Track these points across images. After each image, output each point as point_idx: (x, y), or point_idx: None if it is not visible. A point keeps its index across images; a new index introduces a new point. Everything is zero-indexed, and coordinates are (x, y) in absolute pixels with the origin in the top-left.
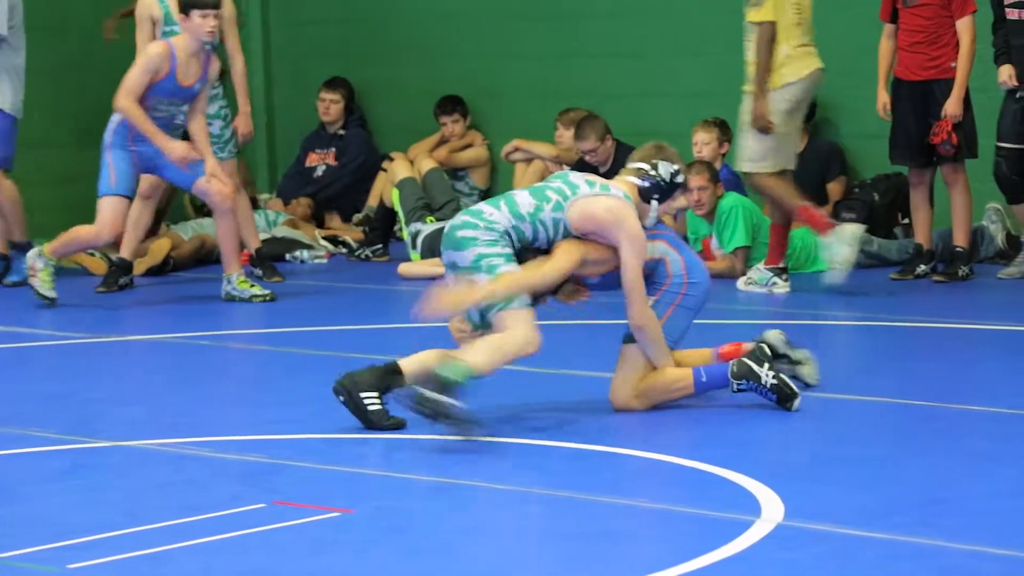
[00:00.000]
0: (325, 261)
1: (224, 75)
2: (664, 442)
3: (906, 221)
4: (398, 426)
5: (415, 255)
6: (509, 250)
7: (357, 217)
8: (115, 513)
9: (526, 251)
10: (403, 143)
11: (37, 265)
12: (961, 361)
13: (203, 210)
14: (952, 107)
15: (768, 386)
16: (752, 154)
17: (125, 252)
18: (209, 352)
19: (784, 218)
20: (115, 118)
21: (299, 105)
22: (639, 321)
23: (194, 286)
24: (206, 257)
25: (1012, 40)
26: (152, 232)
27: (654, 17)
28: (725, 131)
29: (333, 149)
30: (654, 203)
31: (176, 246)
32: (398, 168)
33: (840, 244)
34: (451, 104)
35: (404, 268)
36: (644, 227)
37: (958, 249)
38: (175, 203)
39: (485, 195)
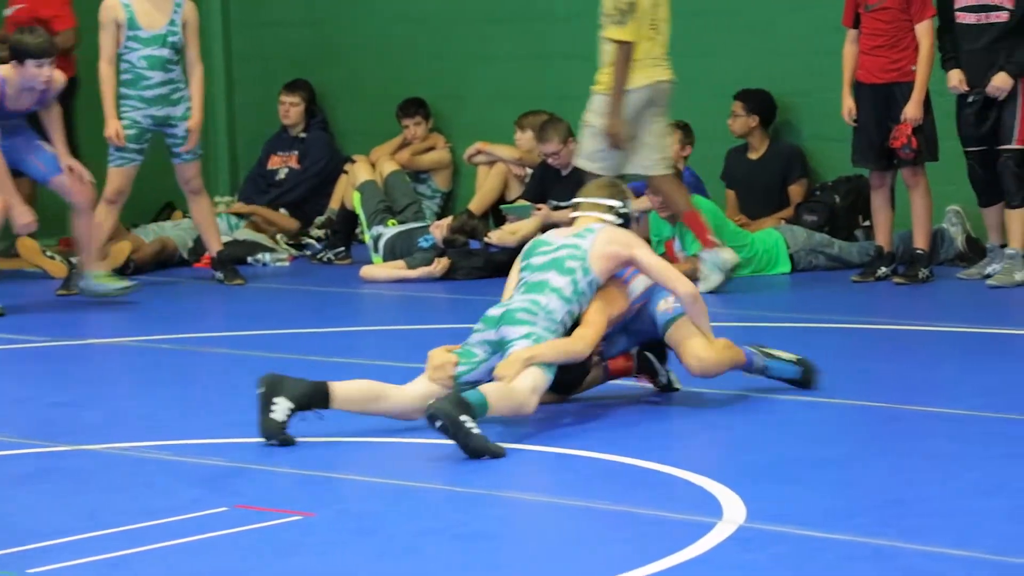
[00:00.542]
0: (287, 264)
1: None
2: (625, 444)
3: (867, 223)
4: (284, 442)
5: (377, 258)
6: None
7: (319, 220)
8: (76, 517)
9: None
10: (365, 146)
11: None
12: (921, 363)
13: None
14: (912, 110)
15: (793, 360)
16: (585, 151)
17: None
18: (170, 355)
19: (685, 206)
20: None
21: (261, 108)
22: (691, 289)
23: (155, 289)
24: (167, 260)
25: (961, 44)
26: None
27: None
28: (687, 133)
29: (295, 152)
30: None
31: (137, 249)
32: (359, 171)
33: (713, 268)
34: (413, 107)
35: (366, 271)
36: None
37: (918, 251)
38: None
39: (448, 198)
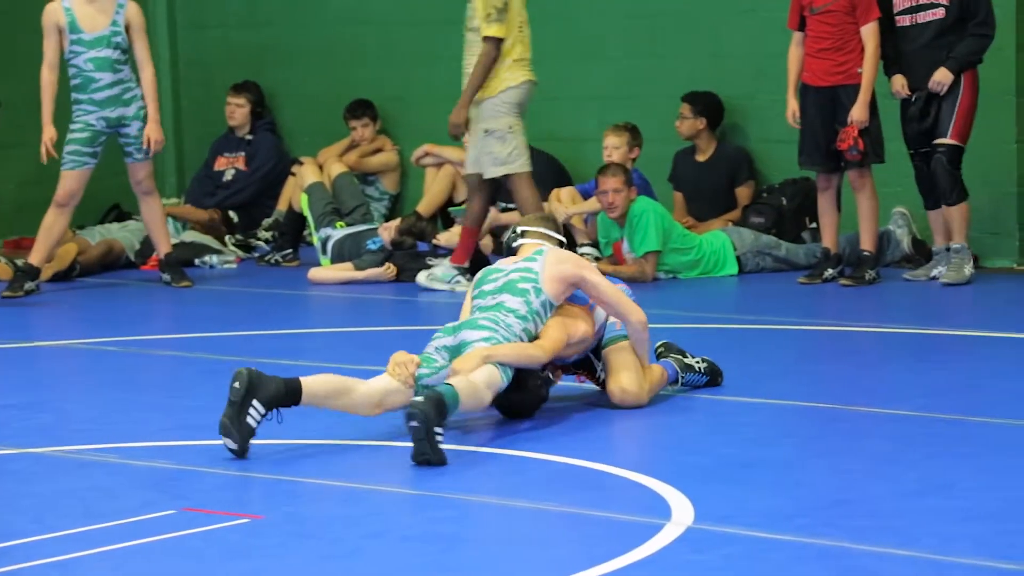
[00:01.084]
0: (235, 266)
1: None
2: (573, 446)
3: (814, 225)
4: (242, 452)
5: (325, 260)
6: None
7: (266, 222)
8: (23, 520)
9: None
10: (312, 147)
11: None
12: (867, 364)
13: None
14: (858, 112)
15: (701, 370)
16: (499, 158)
17: (35, 258)
18: (117, 358)
19: (474, 221)
20: None
21: (207, 109)
22: (643, 318)
23: (101, 291)
24: (113, 262)
25: (902, 47)
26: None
27: (554, 21)
28: (635, 135)
29: (242, 153)
30: None
31: (83, 251)
32: (307, 173)
33: (434, 276)
34: (361, 108)
35: (314, 273)
36: None
37: (865, 253)
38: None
39: (396, 200)
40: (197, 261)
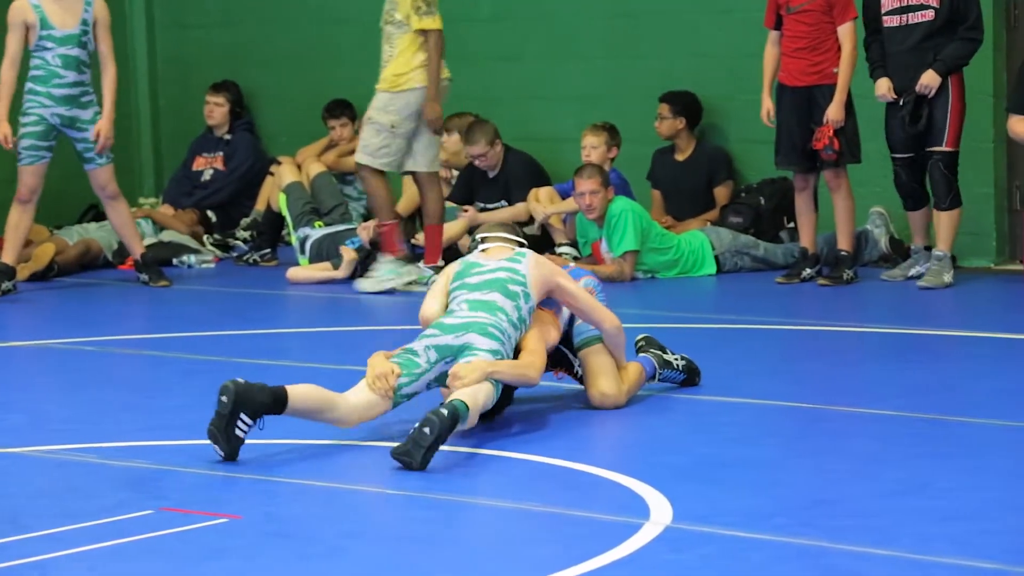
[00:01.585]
0: (212, 266)
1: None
2: (552, 446)
3: (792, 225)
4: (225, 456)
5: (303, 260)
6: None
7: (245, 222)
8: None
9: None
10: (291, 147)
11: None
12: (846, 363)
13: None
14: (834, 112)
15: (679, 368)
16: (368, 148)
17: (7, 257)
18: (94, 358)
19: (434, 217)
20: None
21: (186, 109)
22: (617, 323)
23: (79, 291)
24: (91, 262)
25: (888, 48)
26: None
27: (534, 21)
28: (614, 135)
29: (221, 153)
30: None
31: (60, 251)
32: (285, 172)
33: (378, 277)
34: (339, 108)
35: (292, 273)
36: None
37: (842, 253)
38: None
39: None
40: (175, 261)
